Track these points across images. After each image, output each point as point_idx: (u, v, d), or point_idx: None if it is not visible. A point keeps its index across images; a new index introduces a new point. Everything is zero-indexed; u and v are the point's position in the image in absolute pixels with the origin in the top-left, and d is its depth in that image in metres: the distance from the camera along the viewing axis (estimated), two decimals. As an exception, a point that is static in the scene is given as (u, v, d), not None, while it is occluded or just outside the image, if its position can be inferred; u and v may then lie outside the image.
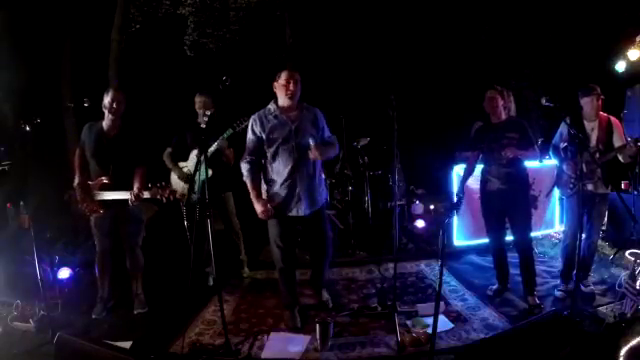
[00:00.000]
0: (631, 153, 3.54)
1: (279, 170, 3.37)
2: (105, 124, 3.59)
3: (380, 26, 7.90)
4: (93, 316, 3.66)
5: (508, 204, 3.73)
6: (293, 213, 3.40)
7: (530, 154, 3.67)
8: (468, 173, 3.98)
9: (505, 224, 3.89)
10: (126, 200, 3.57)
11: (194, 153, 4.16)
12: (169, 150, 4.27)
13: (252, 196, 3.38)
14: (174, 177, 4.23)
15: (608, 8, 6.41)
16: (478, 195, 5.25)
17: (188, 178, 4.08)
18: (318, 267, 3.75)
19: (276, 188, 3.39)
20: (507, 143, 3.64)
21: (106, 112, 3.54)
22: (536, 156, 3.76)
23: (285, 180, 3.35)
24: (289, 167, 3.33)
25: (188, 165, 4.19)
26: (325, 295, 3.88)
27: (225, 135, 3.92)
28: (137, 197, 3.45)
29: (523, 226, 3.75)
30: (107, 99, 3.52)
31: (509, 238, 4.03)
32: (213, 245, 3.06)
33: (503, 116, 3.75)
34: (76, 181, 3.59)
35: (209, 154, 3.74)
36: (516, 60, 7.28)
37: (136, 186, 3.49)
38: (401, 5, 7.79)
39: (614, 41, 5.74)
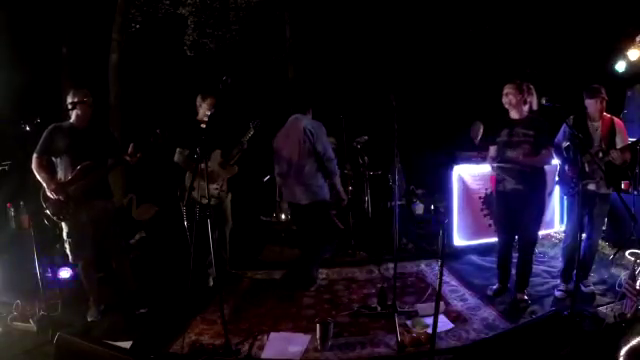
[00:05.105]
0: (619, 161, 3.54)
1: None
2: (75, 121, 3.56)
3: (380, 26, 7.91)
4: (89, 319, 3.63)
5: (521, 204, 3.65)
6: None
7: (537, 161, 3.54)
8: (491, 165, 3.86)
9: (516, 225, 3.82)
10: (105, 202, 3.60)
11: (217, 153, 4.14)
12: (184, 151, 4.08)
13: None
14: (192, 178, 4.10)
15: (608, 8, 6.41)
16: (479, 195, 5.26)
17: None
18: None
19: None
20: (522, 141, 3.55)
21: (78, 108, 3.51)
22: (543, 161, 3.62)
23: None
24: None
25: (211, 166, 4.07)
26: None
27: (249, 136, 4.09)
28: (131, 155, 3.51)
29: (531, 227, 3.71)
30: (79, 97, 3.50)
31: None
32: (213, 245, 3.07)
33: (524, 112, 3.62)
34: (51, 187, 3.40)
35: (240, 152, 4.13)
36: (517, 60, 7.28)
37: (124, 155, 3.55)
38: (401, 5, 7.79)
39: (614, 41, 5.74)
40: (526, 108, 3.64)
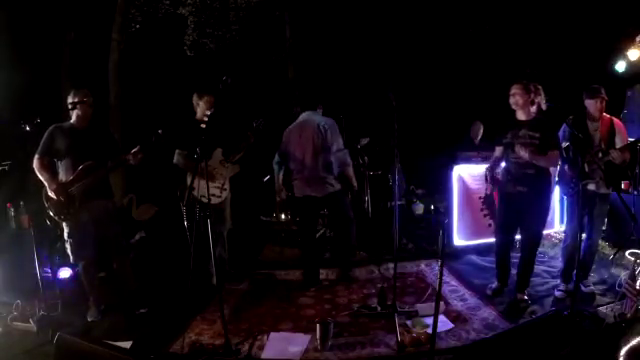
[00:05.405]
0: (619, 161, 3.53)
1: None
2: (75, 121, 3.57)
3: (380, 26, 7.91)
4: (89, 319, 3.63)
5: (525, 206, 3.63)
6: None
7: (544, 160, 3.48)
8: (493, 166, 3.80)
9: (520, 225, 3.83)
10: (105, 202, 3.61)
11: (219, 152, 4.17)
12: (183, 152, 4.09)
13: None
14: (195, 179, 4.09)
15: (608, 8, 6.41)
16: (478, 195, 5.26)
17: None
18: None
19: None
20: (527, 143, 3.48)
21: (78, 108, 3.52)
22: (551, 163, 3.56)
23: None
24: None
25: (213, 164, 4.11)
26: None
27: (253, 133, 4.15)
28: (134, 155, 3.53)
29: (536, 226, 3.70)
30: (79, 97, 3.52)
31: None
32: (214, 245, 3.08)
33: (531, 113, 3.56)
34: (52, 187, 3.42)
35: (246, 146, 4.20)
36: (517, 60, 7.28)
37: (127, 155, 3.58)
38: (401, 5, 7.80)
39: (614, 41, 5.73)
40: (534, 109, 3.58)
